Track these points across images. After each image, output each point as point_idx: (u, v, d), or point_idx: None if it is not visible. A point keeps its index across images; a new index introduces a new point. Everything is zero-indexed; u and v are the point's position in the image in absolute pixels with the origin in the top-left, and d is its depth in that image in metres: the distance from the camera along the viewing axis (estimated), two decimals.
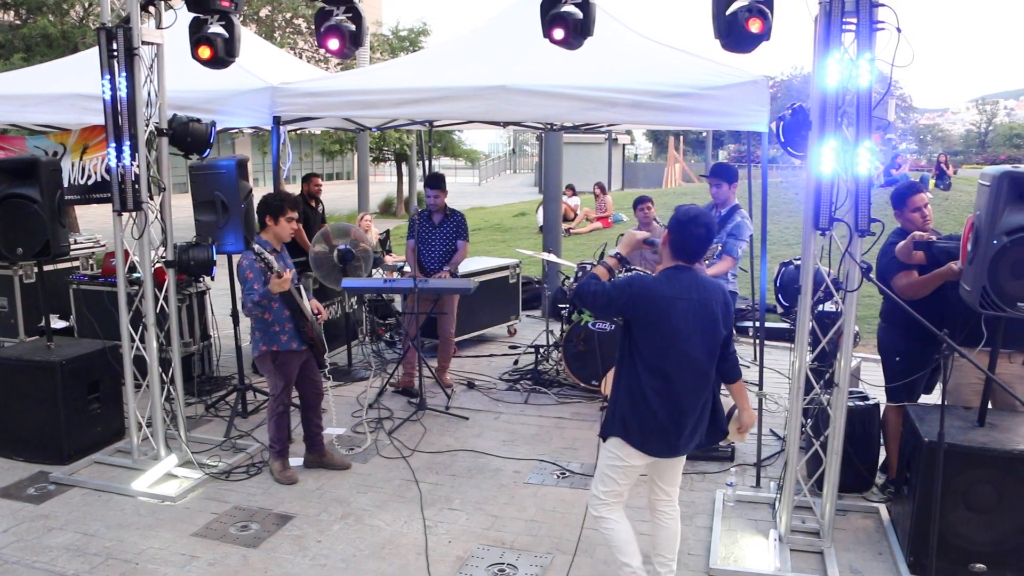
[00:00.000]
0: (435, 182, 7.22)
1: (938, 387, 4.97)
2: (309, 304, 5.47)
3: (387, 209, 30.26)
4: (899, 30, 3.78)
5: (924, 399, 5.13)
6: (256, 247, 5.09)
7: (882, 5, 3.86)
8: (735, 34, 4.17)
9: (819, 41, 3.98)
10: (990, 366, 4.38)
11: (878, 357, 5.34)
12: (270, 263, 5.02)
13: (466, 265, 9.04)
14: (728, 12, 4.19)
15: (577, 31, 4.71)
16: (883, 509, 4.95)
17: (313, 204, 9.03)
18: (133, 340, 5.48)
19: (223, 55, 5.10)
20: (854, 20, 3.89)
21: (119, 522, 4.87)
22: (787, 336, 7.32)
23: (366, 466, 5.67)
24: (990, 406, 4.49)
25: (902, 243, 4.74)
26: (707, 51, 5.46)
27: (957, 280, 4.48)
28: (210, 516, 4.94)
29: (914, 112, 63.64)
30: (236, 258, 6.62)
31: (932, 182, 21.08)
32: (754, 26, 4.09)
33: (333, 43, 5.13)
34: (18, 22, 15.43)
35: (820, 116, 4.01)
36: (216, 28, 5.02)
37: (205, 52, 5.05)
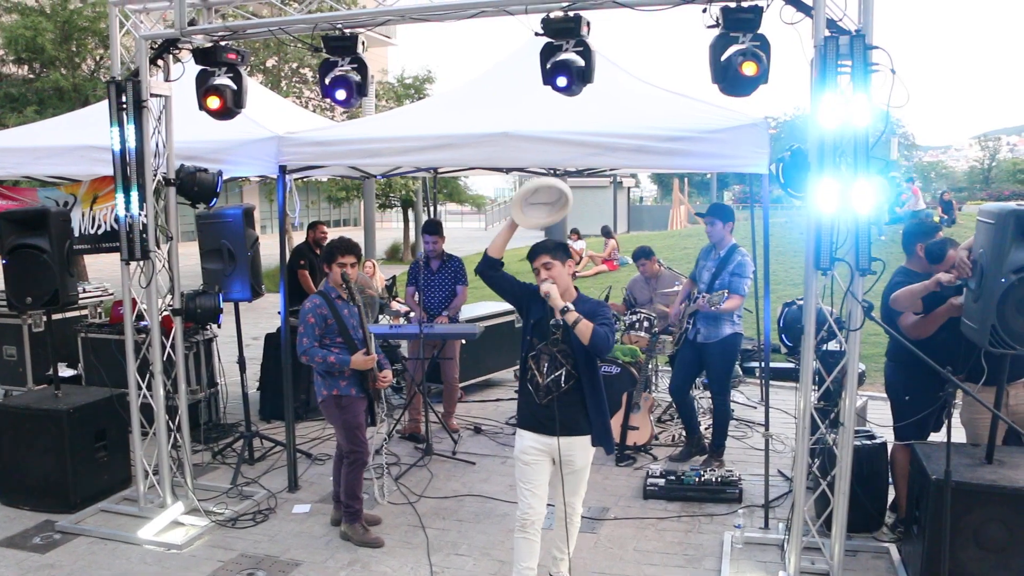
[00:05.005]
0: (433, 228, 7.35)
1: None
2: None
3: (394, 255, 30.37)
4: (893, 71, 3.84)
5: (933, 436, 5.10)
6: (318, 296, 5.18)
7: (876, 48, 3.93)
8: (732, 79, 4.22)
9: (815, 83, 4.04)
10: (996, 401, 4.37)
11: (885, 396, 5.32)
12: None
13: (472, 310, 9.07)
14: (723, 58, 4.26)
15: (578, 78, 4.77)
16: (893, 549, 4.90)
17: (318, 252, 9.10)
18: (140, 388, 5.51)
19: (231, 106, 5.20)
20: (849, 62, 3.95)
21: (125, 571, 4.85)
22: (792, 376, 7.30)
23: (372, 512, 5.64)
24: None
25: (911, 288, 4.73)
26: (708, 95, 5.53)
27: (959, 316, 4.49)
28: (216, 564, 4.92)
29: (917, 150, 63.94)
30: (242, 306, 6.70)
31: (936, 219, 21.17)
32: (748, 69, 4.14)
33: (340, 94, 5.22)
34: (32, 76, 15.74)
35: (818, 157, 4.06)
36: (223, 80, 5.12)
37: (214, 102, 5.13)
